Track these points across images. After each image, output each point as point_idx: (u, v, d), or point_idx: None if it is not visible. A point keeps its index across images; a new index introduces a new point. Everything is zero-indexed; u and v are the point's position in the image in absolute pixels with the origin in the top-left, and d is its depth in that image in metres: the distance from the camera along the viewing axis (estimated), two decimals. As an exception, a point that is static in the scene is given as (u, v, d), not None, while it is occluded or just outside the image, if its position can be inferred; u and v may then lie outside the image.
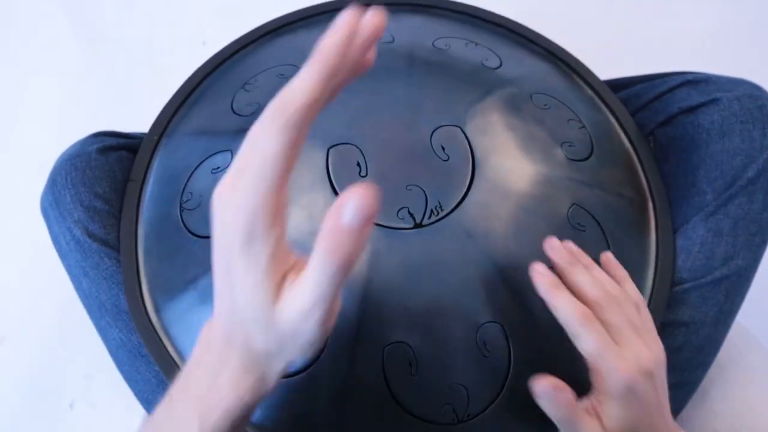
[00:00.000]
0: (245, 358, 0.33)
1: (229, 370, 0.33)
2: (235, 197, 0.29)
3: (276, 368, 0.33)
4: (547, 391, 0.44)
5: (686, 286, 0.57)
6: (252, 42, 0.69)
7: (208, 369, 0.34)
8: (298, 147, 0.29)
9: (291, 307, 0.30)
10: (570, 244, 0.51)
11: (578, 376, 0.52)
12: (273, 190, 0.29)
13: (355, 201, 0.27)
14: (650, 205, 0.60)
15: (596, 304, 0.46)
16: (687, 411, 0.63)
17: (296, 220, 0.51)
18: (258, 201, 0.29)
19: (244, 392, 0.34)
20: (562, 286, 0.45)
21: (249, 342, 0.32)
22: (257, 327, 0.31)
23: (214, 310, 0.34)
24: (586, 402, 0.45)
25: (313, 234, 0.50)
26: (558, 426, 0.45)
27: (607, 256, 0.52)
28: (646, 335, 0.46)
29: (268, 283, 0.30)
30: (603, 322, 0.45)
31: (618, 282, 0.50)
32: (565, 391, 0.44)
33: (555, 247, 0.49)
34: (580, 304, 0.45)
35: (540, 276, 0.46)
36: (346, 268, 0.28)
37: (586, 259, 0.51)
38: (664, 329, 0.54)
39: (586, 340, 0.44)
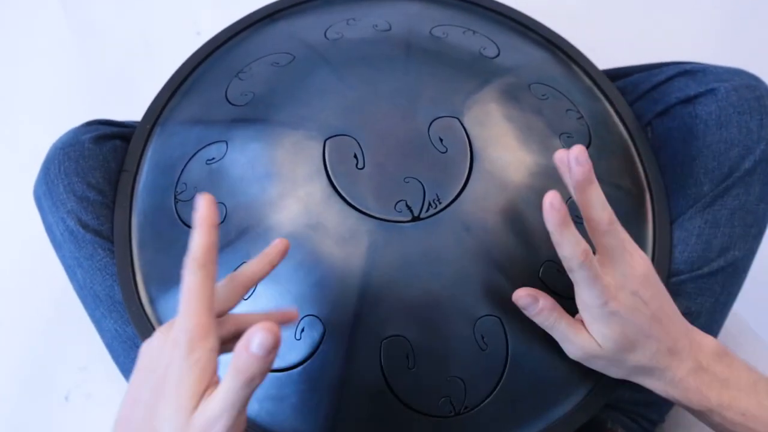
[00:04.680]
0: None
1: None
2: (177, 323, 0.37)
3: None
4: (526, 300, 0.47)
5: (683, 277, 0.57)
6: (246, 28, 0.68)
7: None
8: (214, 279, 0.39)
9: (203, 413, 0.34)
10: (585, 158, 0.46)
11: (579, 366, 0.52)
12: (206, 312, 0.37)
13: (261, 335, 0.33)
14: (647, 196, 0.60)
15: (599, 226, 0.45)
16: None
17: (293, 212, 0.51)
18: (195, 322, 0.36)
19: None
20: (571, 223, 0.43)
21: None
22: (170, 428, 0.35)
23: (120, 411, 0.39)
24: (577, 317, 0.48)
25: (309, 226, 0.50)
26: (556, 338, 0.48)
27: (560, 156, 0.48)
28: (631, 249, 0.47)
29: (195, 390, 0.35)
30: (599, 246, 0.45)
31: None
32: (544, 298, 0.47)
33: (581, 161, 0.44)
34: (584, 243, 0.44)
35: (552, 211, 0.43)
36: (251, 384, 0.34)
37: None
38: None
39: (581, 275, 0.44)
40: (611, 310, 0.44)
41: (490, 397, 0.50)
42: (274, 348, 0.33)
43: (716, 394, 0.45)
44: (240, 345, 0.33)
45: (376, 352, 0.49)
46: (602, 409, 0.53)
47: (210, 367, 0.36)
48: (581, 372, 0.52)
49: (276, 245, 0.45)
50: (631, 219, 0.58)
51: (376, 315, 0.49)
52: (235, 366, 0.34)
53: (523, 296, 0.47)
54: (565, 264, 0.45)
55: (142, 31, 1.08)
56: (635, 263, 0.46)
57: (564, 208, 0.43)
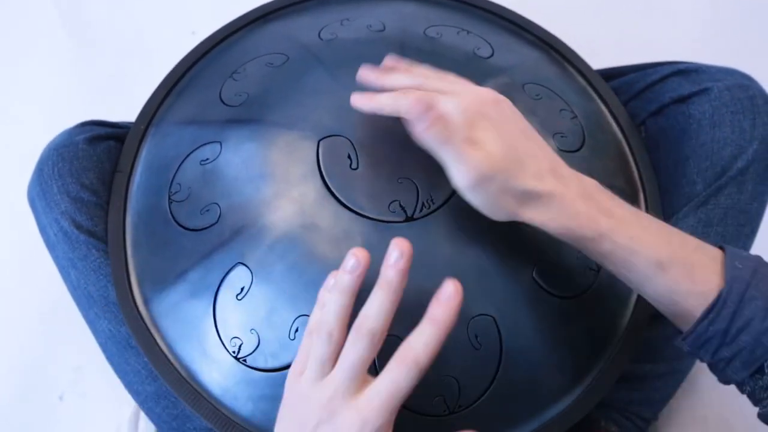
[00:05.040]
0: None
1: None
2: (364, 407, 0.38)
3: None
4: (418, 107, 0.44)
5: (676, 276, 0.57)
6: (240, 29, 0.68)
7: None
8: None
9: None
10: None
11: (573, 365, 0.52)
12: (394, 413, 0.39)
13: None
14: (641, 195, 0.61)
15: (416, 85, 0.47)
16: (676, 399, 0.64)
17: (287, 213, 0.51)
18: (384, 422, 0.38)
19: None
20: (390, 72, 0.46)
21: None
22: None
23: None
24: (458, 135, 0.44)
25: (303, 227, 0.50)
26: (446, 159, 0.45)
27: (363, 70, 0.52)
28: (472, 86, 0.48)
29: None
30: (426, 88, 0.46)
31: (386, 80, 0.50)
32: (441, 104, 0.44)
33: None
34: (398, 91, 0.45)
35: (357, 98, 0.48)
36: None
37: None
38: (654, 319, 0.54)
39: (410, 100, 0.44)
40: (481, 112, 0.44)
41: (484, 397, 0.50)
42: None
43: (605, 219, 0.43)
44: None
45: None
46: (596, 408, 0.53)
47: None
48: (575, 371, 0.53)
49: (449, 301, 0.39)
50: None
51: (370, 315, 0.49)
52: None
53: (413, 103, 0.44)
54: (414, 130, 0.45)
55: (136, 30, 1.08)
56: (479, 91, 0.47)
57: (362, 93, 0.48)
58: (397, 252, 0.39)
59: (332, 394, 0.39)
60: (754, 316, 0.40)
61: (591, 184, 0.45)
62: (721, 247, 0.43)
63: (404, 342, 0.38)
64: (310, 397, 0.40)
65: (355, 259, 0.40)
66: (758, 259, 0.43)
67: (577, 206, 0.43)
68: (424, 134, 0.44)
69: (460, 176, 0.44)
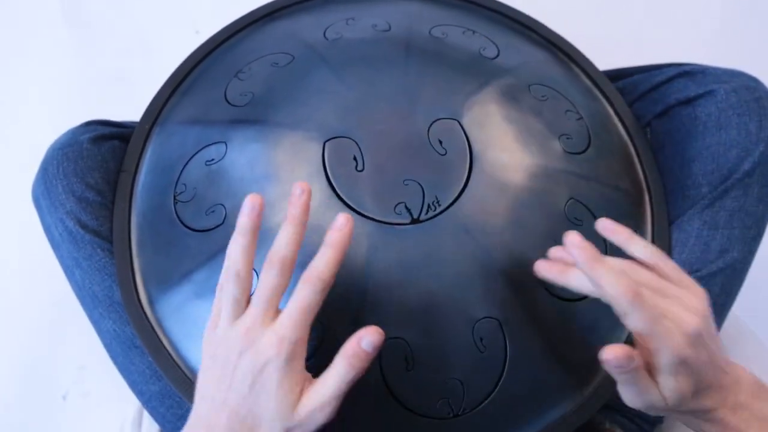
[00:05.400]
0: None
1: None
2: (279, 330, 0.41)
3: None
4: (622, 360, 0.39)
5: (681, 279, 0.57)
6: (245, 27, 0.68)
7: None
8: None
9: (308, 403, 0.40)
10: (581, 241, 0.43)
11: (577, 368, 0.52)
12: (309, 328, 0.41)
13: (372, 335, 0.40)
14: (646, 197, 0.60)
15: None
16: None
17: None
18: (300, 337, 0.41)
19: None
20: (602, 258, 0.40)
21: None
22: (275, 424, 0.40)
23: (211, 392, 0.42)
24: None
25: (309, 229, 0.50)
26: (622, 388, 0.42)
27: (603, 223, 0.46)
28: (686, 286, 0.43)
29: (296, 389, 0.40)
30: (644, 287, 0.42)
31: (627, 244, 0.46)
32: (637, 356, 0.40)
33: (580, 245, 0.41)
34: (628, 278, 0.39)
35: (579, 249, 0.40)
36: (357, 377, 0.40)
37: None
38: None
39: (636, 318, 0.39)
40: (681, 358, 0.40)
41: (489, 399, 0.50)
42: (379, 346, 0.40)
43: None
44: (353, 340, 0.40)
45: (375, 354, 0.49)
46: (600, 410, 0.53)
47: (304, 373, 0.41)
48: (580, 374, 0.53)
49: (342, 228, 0.43)
50: (629, 221, 0.58)
51: (375, 317, 0.49)
52: (347, 360, 0.40)
53: (619, 356, 0.39)
54: (616, 310, 0.40)
55: (140, 29, 1.07)
56: (691, 301, 0.42)
57: (587, 244, 0.40)
58: (299, 189, 0.44)
59: (251, 324, 0.41)
60: None
61: (748, 388, 0.43)
62: None
63: (309, 265, 0.42)
64: (228, 337, 0.42)
65: (250, 203, 0.44)
66: None
67: (727, 421, 0.42)
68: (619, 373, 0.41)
69: (630, 399, 0.43)
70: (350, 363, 0.40)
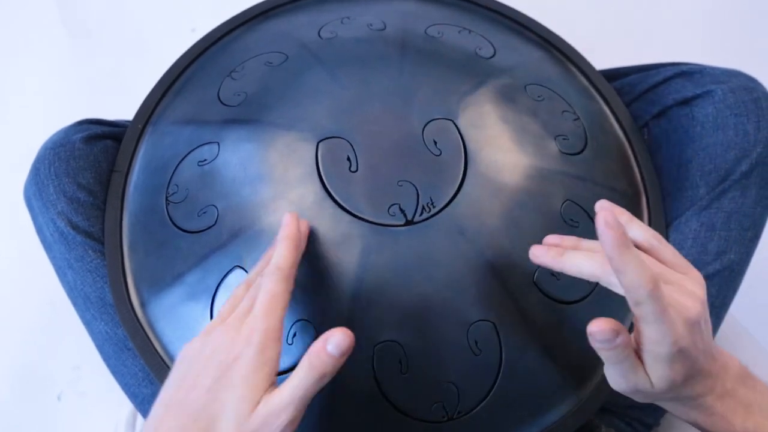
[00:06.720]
0: None
1: None
2: (252, 321, 0.40)
3: None
4: (606, 333, 0.38)
5: (678, 280, 0.57)
6: (239, 26, 0.67)
7: None
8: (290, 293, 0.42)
9: (268, 404, 0.37)
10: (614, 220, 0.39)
11: (573, 370, 0.52)
12: (281, 319, 0.41)
13: (338, 337, 0.38)
14: (643, 198, 0.60)
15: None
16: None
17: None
18: (270, 325, 0.40)
19: None
20: (631, 245, 0.37)
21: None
22: (229, 424, 0.37)
23: (172, 392, 0.40)
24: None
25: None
26: (609, 370, 0.42)
27: (602, 204, 0.44)
28: (684, 270, 0.43)
29: (262, 385, 0.38)
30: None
31: (627, 227, 0.45)
32: (624, 333, 0.39)
33: (612, 224, 0.36)
34: (649, 268, 0.37)
35: (608, 230, 0.36)
36: (321, 381, 0.38)
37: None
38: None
39: (649, 309, 0.37)
40: (680, 347, 0.39)
41: (484, 403, 0.49)
42: (347, 350, 0.38)
43: (741, 419, 0.42)
44: (318, 344, 0.38)
45: (369, 357, 0.48)
46: (596, 413, 0.53)
47: (275, 369, 0.39)
48: (576, 377, 0.52)
49: (290, 227, 0.46)
50: (626, 222, 0.58)
51: (368, 320, 0.48)
52: (309, 362, 0.38)
53: (605, 329, 0.38)
54: (630, 296, 0.38)
55: (135, 27, 1.07)
56: (688, 304, 0.40)
57: (621, 227, 0.36)
58: (288, 216, 0.46)
59: (232, 323, 0.42)
60: None
61: (735, 376, 0.43)
62: None
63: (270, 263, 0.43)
64: (236, 328, 0.41)
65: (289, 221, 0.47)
66: None
67: (714, 408, 0.42)
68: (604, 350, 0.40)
69: (616, 383, 0.42)
70: (310, 362, 0.38)
